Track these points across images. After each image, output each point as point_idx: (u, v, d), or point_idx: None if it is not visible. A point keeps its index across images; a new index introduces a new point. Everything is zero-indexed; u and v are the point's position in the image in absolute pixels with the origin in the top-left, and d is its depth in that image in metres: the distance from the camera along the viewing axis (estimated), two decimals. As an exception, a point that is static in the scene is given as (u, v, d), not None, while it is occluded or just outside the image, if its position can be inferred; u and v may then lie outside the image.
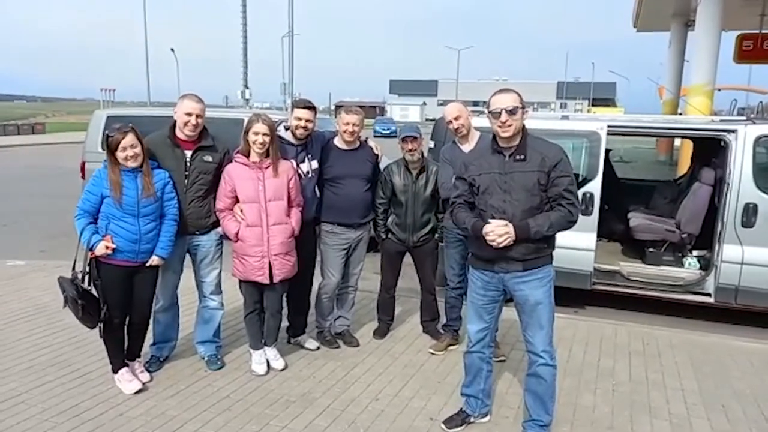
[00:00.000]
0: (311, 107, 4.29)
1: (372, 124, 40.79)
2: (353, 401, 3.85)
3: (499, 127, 3.13)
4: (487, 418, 3.63)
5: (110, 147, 3.61)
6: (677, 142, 17.99)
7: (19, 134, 34.10)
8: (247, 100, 38.52)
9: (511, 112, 3.10)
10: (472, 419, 3.57)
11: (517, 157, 3.15)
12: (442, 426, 3.54)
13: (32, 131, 35.73)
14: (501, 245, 3.07)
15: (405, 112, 79.89)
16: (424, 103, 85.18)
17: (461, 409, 3.60)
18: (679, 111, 18.92)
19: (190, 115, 3.90)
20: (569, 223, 3.14)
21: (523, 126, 3.20)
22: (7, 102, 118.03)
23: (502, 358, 4.46)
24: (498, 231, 3.05)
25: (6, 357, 4.32)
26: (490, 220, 3.10)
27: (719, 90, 23.23)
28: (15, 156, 22.67)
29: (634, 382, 4.22)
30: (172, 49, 46.28)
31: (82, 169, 8.18)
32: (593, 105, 68.70)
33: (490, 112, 3.17)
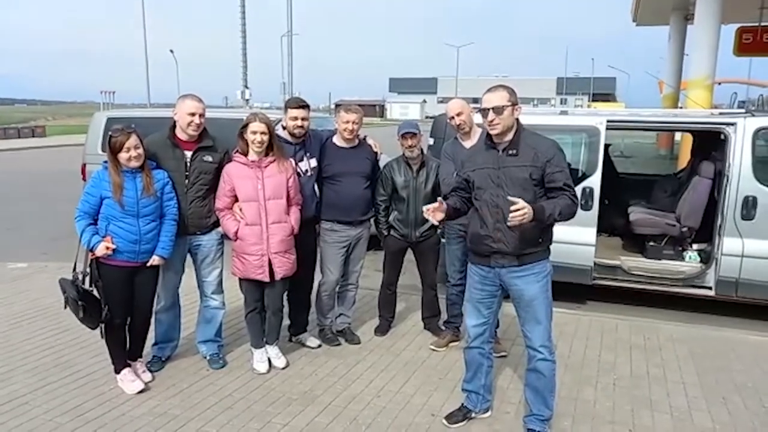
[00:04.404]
0: (304, 105, 4.32)
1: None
2: (355, 398, 3.86)
3: (488, 125, 3.18)
4: (488, 414, 3.64)
5: (113, 148, 3.62)
6: (678, 136, 17.97)
7: (19, 137, 34.10)
8: (247, 100, 38.53)
9: (498, 110, 3.12)
10: (473, 414, 3.59)
11: (510, 152, 3.18)
12: (444, 422, 3.55)
13: (33, 134, 35.73)
14: (517, 223, 2.94)
15: (405, 110, 79.83)
16: (424, 101, 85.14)
17: (462, 404, 3.61)
18: (679, 105, 18.89)
19: (193, 114, 3.91)
20: (572, 213, 3.15)
21: (517, 121, 3.22)
22: (8, 105, 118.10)
23: (503, 354, 4.47)
24: (518, 207, 2.92)
25: (9, 358, 4.34)
26: (509, 198, 2.99)
27: (719, 83, 23.20)
28: (16, 159, 22.71)
29: (635, 377, 4.23)
30: (171, 51, 46.34)
31: (83, 171, 8.21)
32: (593, 100, 68.55)
33: (479, 110, 3.22)
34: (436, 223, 3.31)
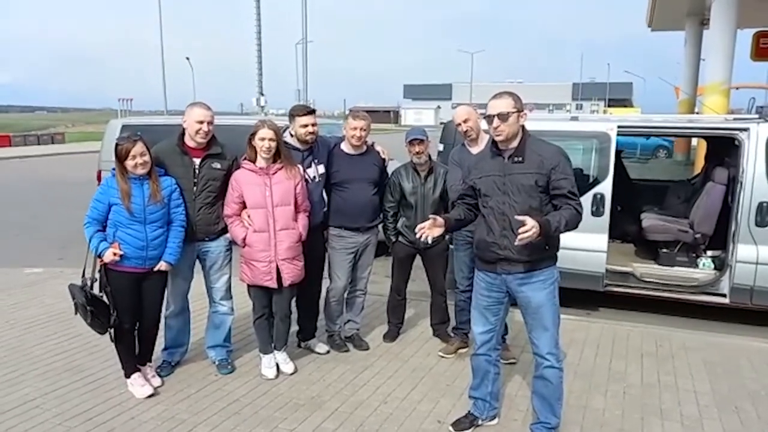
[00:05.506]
0: (312, 111, 4.36)
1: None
2: (362, 404, 3.86)
3: (493, 131, 3.18)
4: (495, 421, 3.62)
5: (119, 156, 3.68)
6: (694, 141, 17.80)
7: (39, 144, 34.69)
8: (263, 107, 38.86)
9: (503, 117, 3.12)
10: (480, 422, 3.57)
11: (516, 159, 3.17)
12: (450, 429, 3.53)
13: (52, 141, 36.34)
14: (526, 242, 2.94)
15: (419, 116, 79.77)
16: (439, 107, 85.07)
17: (469, 411, 3.59)
18: (695, 110, 18.71)
19: (201, 122, 3.96)
20: (577, 223, 3.13)
21: (523, 128, 3.21)
22: (28, 113, 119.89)
23: (512, 361, 4.45)
24: (526, 229, 2.92)
25: (22, 362, 4.41)
26: (517, 217, 3.00)
27: (737, 88, 22.91)
28: (35, 166, 23.06)
29: (645, 385, 4.18)
30: (187, 58, 46.88)
31: (99, 177, 8.33)
32: (609, 105, 67.99)
33: (485, 116, 3.23)
34: (430, 242, 3.36)
